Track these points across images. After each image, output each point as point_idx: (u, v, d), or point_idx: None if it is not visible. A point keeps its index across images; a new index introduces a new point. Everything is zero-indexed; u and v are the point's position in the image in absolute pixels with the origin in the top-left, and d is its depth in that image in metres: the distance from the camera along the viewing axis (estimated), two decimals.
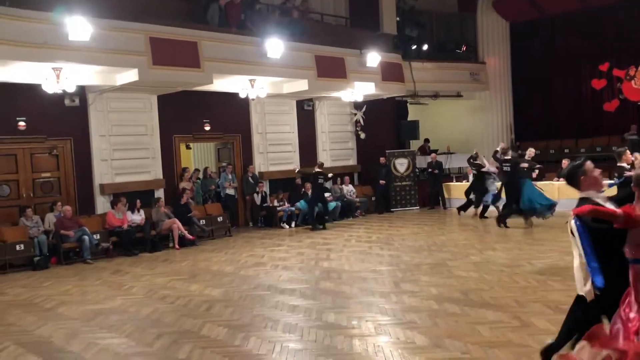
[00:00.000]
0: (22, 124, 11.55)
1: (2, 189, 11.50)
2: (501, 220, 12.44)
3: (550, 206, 12.04)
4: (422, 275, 8.27)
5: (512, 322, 5.84)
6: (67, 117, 12.15)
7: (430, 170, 16.90)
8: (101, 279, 9.40)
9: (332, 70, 14.46)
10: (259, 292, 7.82)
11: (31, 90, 10.76)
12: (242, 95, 13.25)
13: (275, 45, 12.32)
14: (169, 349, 5.65)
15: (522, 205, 11.99)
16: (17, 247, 10.48)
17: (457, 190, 16.84)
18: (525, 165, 12.48)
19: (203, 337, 5.98)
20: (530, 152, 13.14)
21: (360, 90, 15.22)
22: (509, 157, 12.68)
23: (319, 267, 9.37)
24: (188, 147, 15.96)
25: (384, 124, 18.09)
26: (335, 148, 17.36)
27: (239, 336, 5.91)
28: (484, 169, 14.11)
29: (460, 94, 19.64)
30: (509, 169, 12.51)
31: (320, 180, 14.30)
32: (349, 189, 16.41)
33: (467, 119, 20.35)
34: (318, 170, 14.46)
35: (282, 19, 14.49)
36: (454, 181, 17.56)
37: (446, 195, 17.14)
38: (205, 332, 6.12)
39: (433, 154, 17.40)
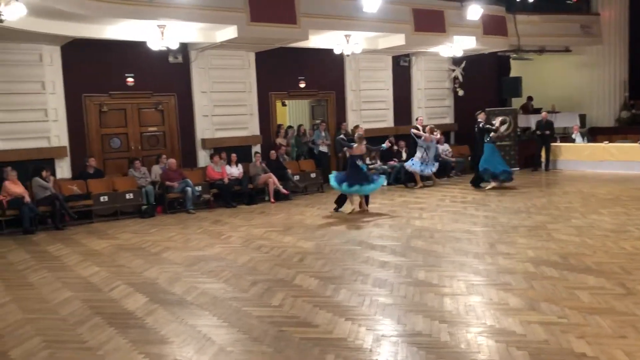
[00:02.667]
0: (130, 80, 12.23)
1: (113, 142, 12.32)
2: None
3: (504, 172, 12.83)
4: (519, 238, 7.99)
5: (616, 289, 5.53)
6: (171, 74, 12.70)
7: (539, 132, 16.04)
8: (202, 228, 9.91)
9: (430, 24, 13.97)
10: (349, 247, 7.92)
11: (138, 48, 11.29)
12: (337, 52, 13.17)
13: None
14: (262, 295, 5.89)
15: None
16: (127, 196, 11.27)
17: (562, 152, 15.96)
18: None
19: (295, 286, 6.17)
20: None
21: (459, 45, 14.62)
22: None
23: (410, 225, 9.30)
24: (283, 104, 16.19)
25: (483, 81, 17.35)
26: (432, 106, 16.92)
27: (330, 287, 6.04)
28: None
29: (569, 49, 18.35)
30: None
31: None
32: (444, 148, 15.99)
33: (575, 75, 19.02)
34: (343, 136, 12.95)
35: None
36: (559, 142, 16.61)
37: (550, 157, 16.28)
38: (298, 282, 6.31)
39: (544, 113, 16.46)
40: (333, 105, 15.40)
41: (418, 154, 13.73)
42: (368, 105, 15.72)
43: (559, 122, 17.57)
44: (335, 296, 5.76)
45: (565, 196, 11.61)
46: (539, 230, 8.39)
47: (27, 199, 10.20)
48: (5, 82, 10.76)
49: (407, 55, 16.19)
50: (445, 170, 15.62)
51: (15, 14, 7.53)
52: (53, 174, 11.18)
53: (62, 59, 11.41)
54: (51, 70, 11.28)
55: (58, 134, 11.45)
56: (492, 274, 6.27)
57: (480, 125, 13.21)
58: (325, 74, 14.87)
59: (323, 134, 14.84)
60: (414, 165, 13.75)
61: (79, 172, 11.56)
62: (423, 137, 13.62)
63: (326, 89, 15.17)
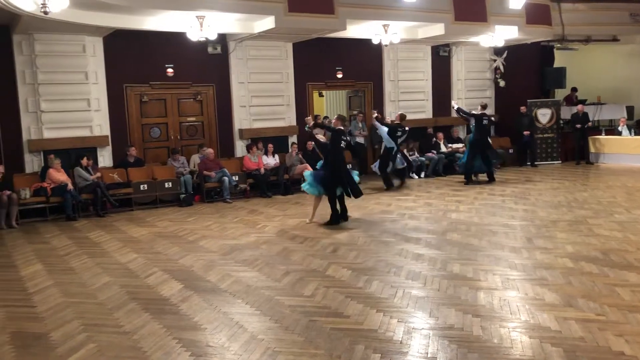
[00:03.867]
0: (170, 70, 12.42)
1: (154, 131, 12.56)
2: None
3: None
4: (558, 232, 7.79)
5: None
6: (210, 65, 12.84)
7: (575, 125, 15.60)
8: (238, 217, 10.02)
9: (471, 13, 13.67)
10: (383, 239, 7.88)
11: (178, 38, 11.45)
12: (375, 42, 13.05)
13: None
14: (295, 285, 5.92)
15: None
16: (166, 185, 11.49)
17: (607, 145, 15.47)
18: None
19: (328, 277, 6.18)
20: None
21: (501, 34, 14.26)
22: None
23: (446, 218, 9.18)
24: (321, 95, 16.18)
25: (526, 71, 16.91)
26: (472, 97, 16.60)
27: (362, 279, 6.02)
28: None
29: (617, 38, 17.66)
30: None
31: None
32: None
33: (622, 66, 18.35)
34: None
35: None
36: (604, 134, 16.10)
37: (593, 150, 15.81)
38: (330, 273, 6.31)
39: (580, 105, 16.01)
40: (371, 95, 15.30)
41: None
42: (406, 96, 15.55)
43: (605, 114, 17.04)
44: (368, 287, 5.75)
45: (608, 190, 11.26)
46: (579, 225, 8.17)
47: (70, 186, 10.50)
48: (49, 73, 11.08)
49: (447, 45, 15.93)
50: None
51: (58, 6, 7.72)
52: (95, 162, 11.48)
53: (105, 49, 11.67)
54: (94, 61, 11.56)
55: (100, 124, 11.74)
56: (528, 269, 6.14)
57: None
58: (363, 64, 14.77)
59: (360, 124, 14.77)
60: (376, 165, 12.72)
61: (120, 160, 11.83)
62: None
63: (364, 80, 15.07)
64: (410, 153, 14.59)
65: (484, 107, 13.28)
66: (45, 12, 7.69)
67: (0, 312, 5.44)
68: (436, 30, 13.56)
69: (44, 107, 11.11)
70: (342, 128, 9.28)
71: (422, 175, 14.40)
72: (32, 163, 11.20)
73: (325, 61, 14.20)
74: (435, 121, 15.79)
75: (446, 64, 16.22)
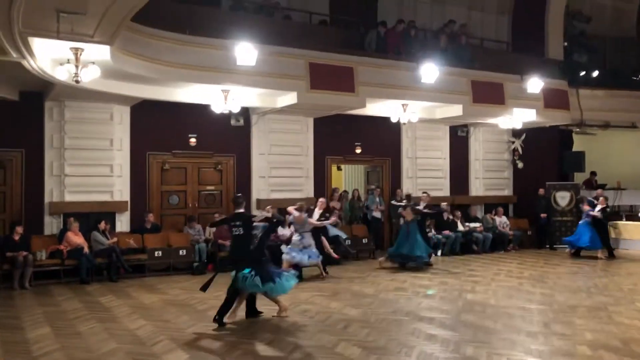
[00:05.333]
0: (193, 140, 12.75)
1: (172, 199, 12.73)
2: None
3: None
4: (576, 318, 7.55)
5: None
6: (232, 136, 13.16)
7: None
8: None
9: (489, 96, 13.98)
10: (396, 317, 7.70)
11: (202, 110, 11.81)
12: (394, 120, 13.32)
13: (430, 70, 12.20)
14: None
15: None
16: (180, 252, 11.50)
17: (627, 231, 15.22)
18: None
19: (337, 354, 6.02)
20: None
21: (519, 117, 14.48)
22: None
23: (462, 298, 8.98)
24: (339, 169, 16.36)
25: (544, 154, 16.97)
26: (490, 177, 16.66)
27: (372, 358, 5.86)
28: None
29: (635, 125, 17.79)
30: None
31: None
32: (502, 221, 15.60)
33: None
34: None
35: (440, 44, 14.33)
36: (624, 220, 15.88)
37: (613, 235, 15.54)
38: (340, 350, 6.15)
39: (599, 190, 15.88)
40: (388, 171, 15.44)
41: (294, 237, 10.78)
42: (424, 173, 15.65)
43: (625, 200, 16.86)
44: None
45: (629, 277, 10.97)
46: (599, 312, 7.92)
47: (86, 250, 10.58)
48: (76, 138, 11.43)
49: (465, 126, 16.18)
50: (502, 243, 15.20)
51: (90, 76, 8.08)
52: (113, 226, 11.60)
53: (131, 118, 12.07)
54: (120, 129, 11.93)
55: (121, 189, 11.95)
56: (545, 355, 5.93)
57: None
58: (381, 140, 15.02)
59: (377, 199, 14.82)
60: (287, 253, 10.67)
61: (138, 226, 11.94)
62: (292, 217, 10.75)
63: (382, 155, 15.27)
64: (427, 230, 14.50)
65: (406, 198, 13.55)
66: (77, 81, 8.03)
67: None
68: (454, 111, 13.84)
69: (68, 171, 11.39)
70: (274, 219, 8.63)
71: (439, 253, 14.23)
72: (51, 225, 11.35)
73: (344, 136, 14.48)
74: (453, 200, 15.77)
75: (464, 143, 16.41)
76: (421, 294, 9.31)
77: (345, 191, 15.35)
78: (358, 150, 14.83)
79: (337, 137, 14.39)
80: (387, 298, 9.02)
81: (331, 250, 12.37)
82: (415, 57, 12.95)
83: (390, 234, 15.21)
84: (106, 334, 6.85)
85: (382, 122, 14.02)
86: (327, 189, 14.45)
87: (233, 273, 7.58)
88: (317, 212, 11.44)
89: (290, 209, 10.76)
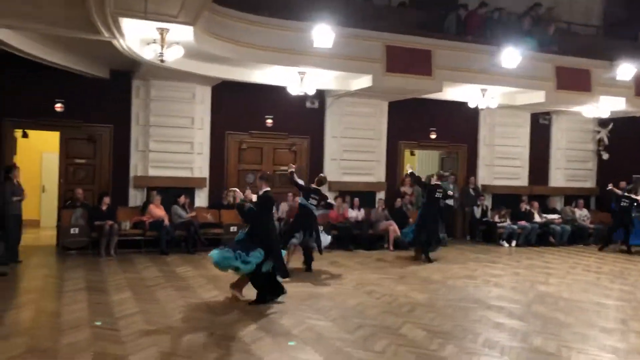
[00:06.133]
0: (269, 121, 13.04)
1: (248, 177, 13.10)
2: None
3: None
4: None
5: None
6: (307, 118, 13.35)
7: None
8: (318, 266, 10.09)
9: (574, 83, 13.32)
10: (463, 304, 7.63)
11: (279, 92, 12.04)
12: (472, 105, 13.00)
13: (511, 55, 11.78)
14: (367, 340, 5.86)
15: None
16: None
17: None
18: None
19: (401, 335, 6.06)
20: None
21: (606, 105, 13.73)
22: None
23: (534, 289, 8.75)
24: (412, 154, 16.20)
25: (633, 145, 16.01)
26: (571, 167, 15.94)
27: (436, 341, 5.86)
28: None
29: None
30: None
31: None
32: (582, 213, 14.96)
33: None
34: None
35: (524, 28, 13.80)
36: None
37: None
38: (404, 332, 6.19)
39: None
40: (464, 158, 15.13)
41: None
42: (501, 162, 15.21)
43: None
44: (441, 351, 5.58)
45: None
46: None
47: (167, 222, 11.14)
48: (160, 116, 11.99)
49: (548, 113, 15.53)
50: (581, 237, 14.58)
51: (173, 56, 8.45)
52: (192, 201, 12.13)
53: (212, 98, 12.50)
54: (201, 108, 12.39)
55: (200, 166, 12.44)
56: (619, 352, 5.70)
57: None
58: (457, 126, 14.72)
59: (451, 186, 14.58)
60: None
61: (215, 201, 12.42)
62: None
63: (458, 142, 14.98)
64: (502, 220, 14.16)
65: (440, 177, 12.07)
66: (162, 61, 8.44)
67: (88, 333, 5.80)
68: (536, 97, 13.32)
69: (152, 147, 11.98)
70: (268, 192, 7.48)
71: (513, 243, 13.86)
72: (135, 197, 12.02)
73: (419, 121, 14.31)
74: (531, 190, 15.26)
75: (546, 132, 15.77)
76: (491, 283, 9.16)
77: (446, 175, 15.15)
78: (433, 136, 14.61)
79: (412, 121, 14.24)
80: (455, 285, 8.94)
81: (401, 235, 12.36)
82: (496, 40, 12.54)
83: (463, 222, 14.96)
84: (182, 302, 7.23)
85: (459, 108, 13.72)
86: (399, 174, 14.38)
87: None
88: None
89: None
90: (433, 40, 11.98)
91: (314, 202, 9.62)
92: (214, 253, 7.10)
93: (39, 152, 14.16)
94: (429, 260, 10.97)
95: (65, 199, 11.65)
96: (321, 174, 10.63)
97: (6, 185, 9.35)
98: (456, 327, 6.46)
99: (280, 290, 7.38)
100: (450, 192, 11.79)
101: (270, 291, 7.29)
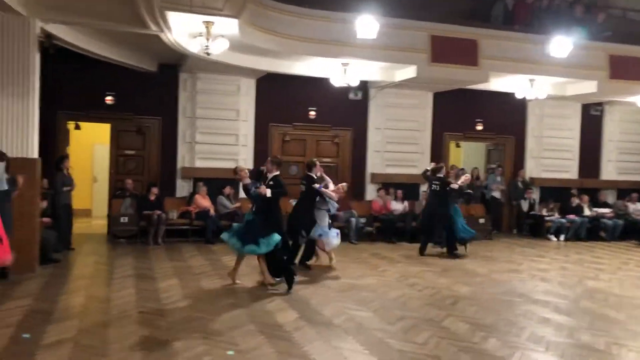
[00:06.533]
0: (312, 113, 13.08)
1: (291, 169, 13.19)
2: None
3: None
4: None
5: None
6: (349, 109, 13.32)
7: None
8: (360, 258, 10.13)
9: (629, 72, 12.78)
10: (508, 298, 7.50)
11: (321, 83, 12.05)
12: (519, 96, 12.69)
13: (562, 44, 11.42)
14: (408, 331, 5.84)
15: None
16: None
17: None
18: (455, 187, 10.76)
19: (443, 328, 6.02)
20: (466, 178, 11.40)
21: None
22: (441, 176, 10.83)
23: (582, 285, 8.51)
24: (457, 146, 15.96)
25: None
26: (624, 160, 15.36)
27: (479, 334, 5.79)
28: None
29: None
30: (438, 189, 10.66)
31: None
32: (636, 208, 14.42)
33: None
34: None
35: (575, 16, 13.36)
36: None
37: None
38: (446, 324, 6.14)
39: None
40: (511, 150, 14.81)
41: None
42: (550, 154, 14.81)
43: None
44: (483, 344, 5.51)
45: None
46: None
47: (212, 212, 11.35)
48: (206, 109, 12.21)
49: (599, 104, 15.00)
50: (636, 232, 14.05)
51: (219, 48, 8.58)
52: (237, 192, 12.30)
53: (256, 90, 12.63)
54: (246, 100, 12.54)
55: (245, 158, 12.61)
56: None
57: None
58: (504, 117, 14.40)
59: (498, 179, 14.33)
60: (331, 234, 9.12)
61: None
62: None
63: (505, 133, 14.66)
64: (550, 213, 13.82)
65: (434, 170, 11.02)
66: (208, 54, 8.59)
67: (136, 318, 6.00)
68: (588, 87, 12.89)
69: (198, 139, 12.22)
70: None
71: (562, 238, 13.50)
72: (182, 188, 12.30)
73: (465, 112, 14.07)
74: (581, 183, 14.81)
75: (597, 123, 15.25)
76: (537, 277, 8.96)
77: (462, 169, 14.95)
78: (479, 127, 14.34)
79: (457, 112, 14.02)
80: (500, 279, 8.79)
81: None
82: (545, 29, 12.19)
83: (509, 215, 14.67)
84: (226, 290, 7.38)
85: (506, 98, 13.42)
86: (445, 166, 14.16)
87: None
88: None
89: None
90: (479, 30, 11.77)
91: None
92: (227, 238, 7.60)
93: (91, 144, 14.64)
94: (453, 254, 10.52)
95: (116, 189, 12.05)
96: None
97: (57, 176, 9.70)
98: (500, 320, 6.37)
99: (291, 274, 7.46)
100: (454, 186, 10.70)
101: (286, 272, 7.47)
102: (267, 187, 7.52)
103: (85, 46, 9.71)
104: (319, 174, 9.31)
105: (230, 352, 4.99)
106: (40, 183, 8.44)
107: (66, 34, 8.97)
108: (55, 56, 8.76)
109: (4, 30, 7.68)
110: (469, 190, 12.12)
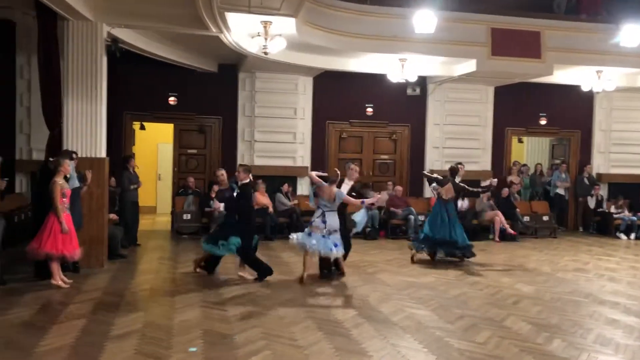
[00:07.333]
0: (369, 110, 13.05)
1: (347, 166, 13.12)
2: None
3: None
4: None
5: None
6: (407, 105, 13.21)
7: None
8: (420, 256, 9.98)
9: None
10: (574, 298, 7.24)
11: (378, 79, 12.00)
12: (585, 88, 12.19)
13: (632, 32, 10.86)
14: (467, 330, 5.75)
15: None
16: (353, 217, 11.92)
17: None
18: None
19: (504, 327, 5.88)
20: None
21: None
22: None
23: None
24: (520, 141, 15.52)
25: None
26: None
27: (543, 335, 5.62)
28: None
29: None
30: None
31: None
32: None
33: None
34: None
35: None
36: None
37: None
38: (508, 324, 6.00)
39: None
40: (577, 145, 14.26)
41: (315, 218, 7.99)
42: (619, 148, 14.17)
43: None
44: (547, 345, 5.35)
45: None
46: None
47: (271, 209, 11.52)
48: (265, 107, 12.40)
49: None
50: None
51: (277, 48, 8.69)
52: (294, 189, 12.45)
53: (313, 88, 12.72)
54: (303, 98, 12.66)
55: (302, 155, 12.74)
56: None
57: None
58: (570, 111, 13.88)
59: (563, 175, 13.84)
60: (304, 239, 7.86)
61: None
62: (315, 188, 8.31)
63: (570, 128, 14.14)
64: (619, 210, 13.22)
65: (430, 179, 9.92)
66: (266, 53, 8.71)
67: (198, 311, 6.18)
68: None
69: (257, 137, 12.43)
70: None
71: (632, 236, 12.89)
72: None
73: (527, 106, 13.67)
74: None
75: None
76: (605, 277, 8.60)
77: (525, 165, 14.55)
78: (543, 122, 13.90)
79: (520, 107, 13.64)
80: (565, 278, 8.50)
81: (507, 226, 11.93)
82: (613, 18, 11.64)
83: (575, 212, 14.14)
84: (286, 285, 7.49)
85: (572, 91, 12.95)
86: (506, 162, 13.84)
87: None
88: (346, 185, 8.27)
89: (313, 175, 8.14)
90: (542, 21, 11.38)
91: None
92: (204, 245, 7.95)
93: (155, 143, 15.15)
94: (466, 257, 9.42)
95: (179, 187, 12.42)
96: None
97: (124, 174, 10.10)
98: (565, 321, 6.16)
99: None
100: (437, 190, 9.46)
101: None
102: (236, 196, 7.85)
103: (148, 49, 10.08)
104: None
105: (193, 349, 4.97)
106: (108, 182, 8.81)
107: (131, 37, 9.32)
108: (121, 59, 9.11)
109: (74, 36, 8.06)
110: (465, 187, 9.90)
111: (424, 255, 9.57)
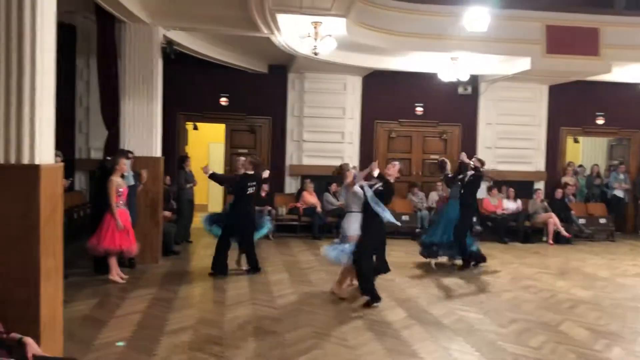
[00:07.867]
0: (419, 109, 12.91)
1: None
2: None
3: None
4: None
5: None
6: (458, 105, 12.98)
7: None
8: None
9: None
10: (635, 304, 6.97)
11: (428, 78, 11.86)
12: None
13: None
14: (521, 335, 5.62)
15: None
16: (403, 218, 11.83)
17: None
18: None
19: (560, 332, 5.72)
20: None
21: None
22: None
23: None
24: (576, 141, 15.01)
25: None
26: None
27: (601, 342, 5.43)
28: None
29: None
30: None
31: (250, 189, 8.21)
32: None
33: None
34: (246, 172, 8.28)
35: None
36: None
37: None
38: (563, 329, 5.83)
39: None
40: (637, 145, 13.71)
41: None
42: None
43: None
44: (606, 352, 5.17)
45: None
46: None
47: (319, 209, 11.57)
48: (313, 107, 12.45)
49: None
50: None
51: (327, 48, 8.71)
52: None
53: (362, 88, 12.69)
54: (352, 98, 12.64)
55: (350, 155, 12.71)
56: None
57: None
58: (629, 110, 13.33)
59: (622, 176, 13.32)
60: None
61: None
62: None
63: (630, 127, 13.58)
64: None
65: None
66: (316, 54, 8.75)
67: (249, 308, 6.27)
68: None
69: (305, 137, 12.50)
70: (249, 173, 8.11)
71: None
72: (290, 185, 12.65)
73: (584, 105, 13.21)
74: None
75: None
76: None
77: (581, 166, 14.08)
78: (600, 121, 13.41)
79: (576, 106, 13.19)
80: (625, 283, 8.18)
81: (562, 228, 11.59)
82: None
83: (634, 215, 13.59)
84: (331, 284, 7.47)
85: (632, 89, 12.47)
86: (561, 163, 13.44)
87: None
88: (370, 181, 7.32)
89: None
90: (600, 17, 10.98)
91: None
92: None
93: (206, 143, 15.44)
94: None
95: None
96: None
97: (180, 173, 10.37)
98: (625, 328, 5.94)
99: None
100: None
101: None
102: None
103: (201, 50, 10.29)
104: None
105: (120, 344, 4.98)
106: (163, 180, 9.05)
107: (184, 39, 9.53)
108: (175, 61, 9.33)
109: (131, 39, 8.31)
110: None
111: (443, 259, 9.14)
